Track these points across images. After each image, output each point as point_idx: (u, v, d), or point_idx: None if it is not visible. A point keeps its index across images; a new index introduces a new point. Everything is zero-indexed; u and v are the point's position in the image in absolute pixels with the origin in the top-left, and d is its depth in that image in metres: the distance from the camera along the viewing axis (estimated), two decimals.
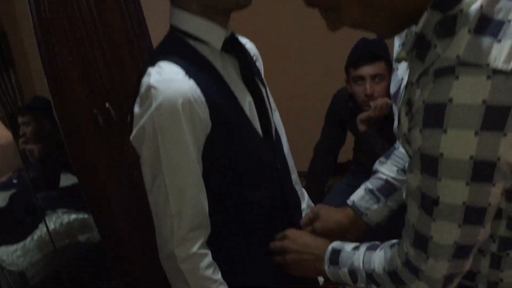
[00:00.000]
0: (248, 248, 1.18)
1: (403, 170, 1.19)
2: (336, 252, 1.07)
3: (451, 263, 0.85)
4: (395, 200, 1.20)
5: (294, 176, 1.37)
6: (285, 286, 1.22)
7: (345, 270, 1.04)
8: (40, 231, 2.45)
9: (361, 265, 1.01)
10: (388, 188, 1.20)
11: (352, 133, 2.44)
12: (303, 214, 1.37)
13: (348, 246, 1.07)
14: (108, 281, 2.38)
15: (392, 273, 0.94)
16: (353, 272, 1.03)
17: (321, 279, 1.42)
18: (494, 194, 0.79)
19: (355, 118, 2.21)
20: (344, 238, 1.20)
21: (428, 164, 0.79)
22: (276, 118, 1.32)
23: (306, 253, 1.13)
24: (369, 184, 1.22)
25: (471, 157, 0.75)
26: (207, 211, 1.09)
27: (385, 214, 1.21)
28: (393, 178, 1.20)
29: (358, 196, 1.23)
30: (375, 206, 1.20)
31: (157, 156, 1.03)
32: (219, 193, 1.12)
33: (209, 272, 1.09)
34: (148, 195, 1.10)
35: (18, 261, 2.36)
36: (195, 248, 1.07)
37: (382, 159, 1.23)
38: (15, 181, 2.55)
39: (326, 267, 1.08)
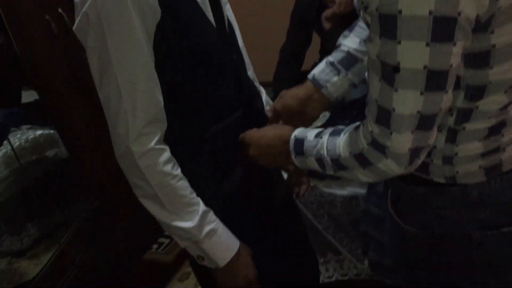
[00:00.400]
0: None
1: (365, 41, 1.13)
2: (300, 141, 1.05)
3: (415, 135, 0.84)
4: (356, 73, 1.17)
5: (250, 73, 1.34)
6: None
7: (312, 159, 1.03)
8: (6, 148, 2.41)
9: (325, 152, 0.99)
10: (349, 60, 1.16)
11: (318, 35, 2.38)
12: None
13: (311, 134, 1.04)
14: (77, 196, 2.38)
15: (358, 155, 0.92)
16: (320, 160, 1.01)
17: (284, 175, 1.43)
18: (455, 55, 0.78)
19: (320, 18, 2.15)
20: (305, 115, 1.19)
21: (386, 25, 0.77)
22: (229, 12, 1.27)
23: (272, 154, 1.12)
24: (330, 57, 1.18)
25: (430, 12, 0.73)
26: (162, 104, 1.06)
27: (345, 88, 1.18)
28: (355, 49, 1.16)
29: (318, 69, 1.19)
30: (335, 79, 1.16)
31: (104, 45, 0.98)
32: (174, 88, 1.08)
33: (168, 167, 1.08)
34: (98, 91, 1.05)
35: None
36: (152, 143, 1.05)
37: (345, 32, 1.19)
38: None
39: (293, 158, 1.07)
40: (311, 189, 1.81)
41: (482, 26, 0.80)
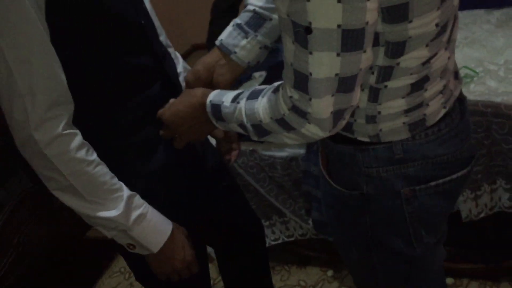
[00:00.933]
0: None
1: None
2: (216, 107, 0.98)
3: (336, 98, 0.80)
4: (266, 34, 1.08)
5: (163, 38, 1.24)
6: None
7: (234, 125, 0.96)
8: None
9: (245, 119, 0.93)
10: (256, 20, 1.07)
11: None
12: (180, 78, 1.25)
13: (227, 98, 0.97)
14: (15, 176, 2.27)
15: (280, 120, 0.87)
16: (242, 126, 0.95)
17: (212, 141, 1.37)
18: (370, 10, 0.73)
19: None
20: (215, 83, 1.11)
21: None
22: None
23: (194, 127, 1.05)
24: (237, 19, 1.09)
25: None
26: (65, 83, 0.95)
27: (256, 52, 1.09)
28: (261, 7, 1.07)
29: (225, 33, 1.10)
30: (243, 42, 1.07)
31: None
32: (76, 62, 0.97)
33: (81, 153, 0.97)
34: None
35: None
36: (59, 129, 0.94)
37: None
38: None
39: (215, 124, 1.00)
40: (250, 153, 1.77)
41: None
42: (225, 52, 1.09)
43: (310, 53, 0.75)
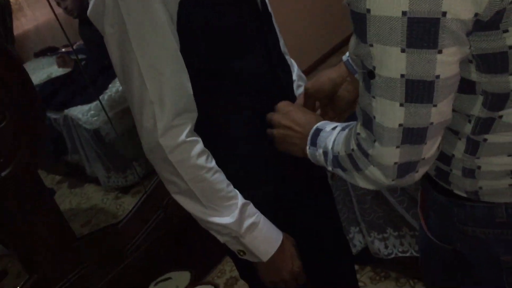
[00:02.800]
0: (240, 126, 1.06)
1: None
2: (317, 131, 0.94)
3: (402, 149, 0.72)
4: None
5: (281, 44, 1.20)
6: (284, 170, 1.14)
7: (321, 151, 0.91)
8: (110, 91, 2.56)
9: (331, 145, 0.88)
10: None
11: None
12: (294, 85, 1.21)
13: (329, 126, 0.93)
14: None
15: (350, 156, 0.82)
16: (325, 153, 0.90)
17: None
18: (444, 63, 0.63)
19: None
20: (338, 97, 1.08)
21: (356, 23, 0.66)
22: None
23: (293, 130, 1.00)
24: None
25: (404, 13, 0.60)
26: (191, 92, 0.96)
27: None
28: None
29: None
30: None
31: (123, 31, 0.88)
32: (201, 70, 0.99)
33: (201, 160, 0.99)
34: (121, 85, 0.97)
35: (92, 120, 2.52)
36: (183, 136, 0.95)
37: None
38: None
39: (307, 148, 0.96)
40: None
41: (489, 25, 0.63)
42: (351, 70, 1.05)
43: (373, 97, 0.69)
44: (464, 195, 0.85)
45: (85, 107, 2.52)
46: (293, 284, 1.13)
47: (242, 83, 1.03)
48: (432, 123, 0.69)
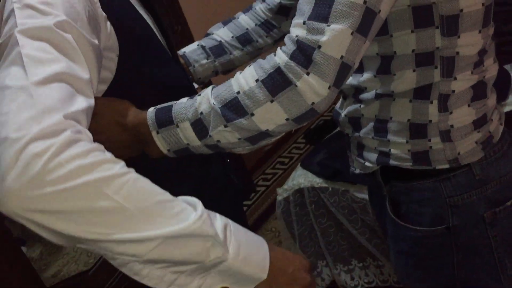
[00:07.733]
0: None
1: (237, 39, 1.21)
2: (165, 108, 0.81)
3: (354, 39, 0.73)
4: (222, 63, 1.22)
5: None
6: None
7: (186, 124, 0.79)
8: None
9: (212, 101, 0.77)
10: (220, 49, 1.21)
11: None
12: None
13: (183, 99, 0.83)
14: None
15: (268, 78, 0.74)
16: (199, 122, 0.78)
17: None
18: None
19: None
20: None
21: None
22: None
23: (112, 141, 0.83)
24: (202, 42, 1.22)
25: None
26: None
27: (209, 73, 1.22)
28: (227, 42, 1.21)
29: (190, 48, 1.22)
30: (203, 61, 1.20)
31: None
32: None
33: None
34: None
35: None
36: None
37: (219, 24, 1.24)
38: None
39: (154, 136, 0.80)
40: (342, 193, 1.72)
41: None
42: (186, 62, 1.19)
43: None
44: (447, 165, 0.95)
45: None
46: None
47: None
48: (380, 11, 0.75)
